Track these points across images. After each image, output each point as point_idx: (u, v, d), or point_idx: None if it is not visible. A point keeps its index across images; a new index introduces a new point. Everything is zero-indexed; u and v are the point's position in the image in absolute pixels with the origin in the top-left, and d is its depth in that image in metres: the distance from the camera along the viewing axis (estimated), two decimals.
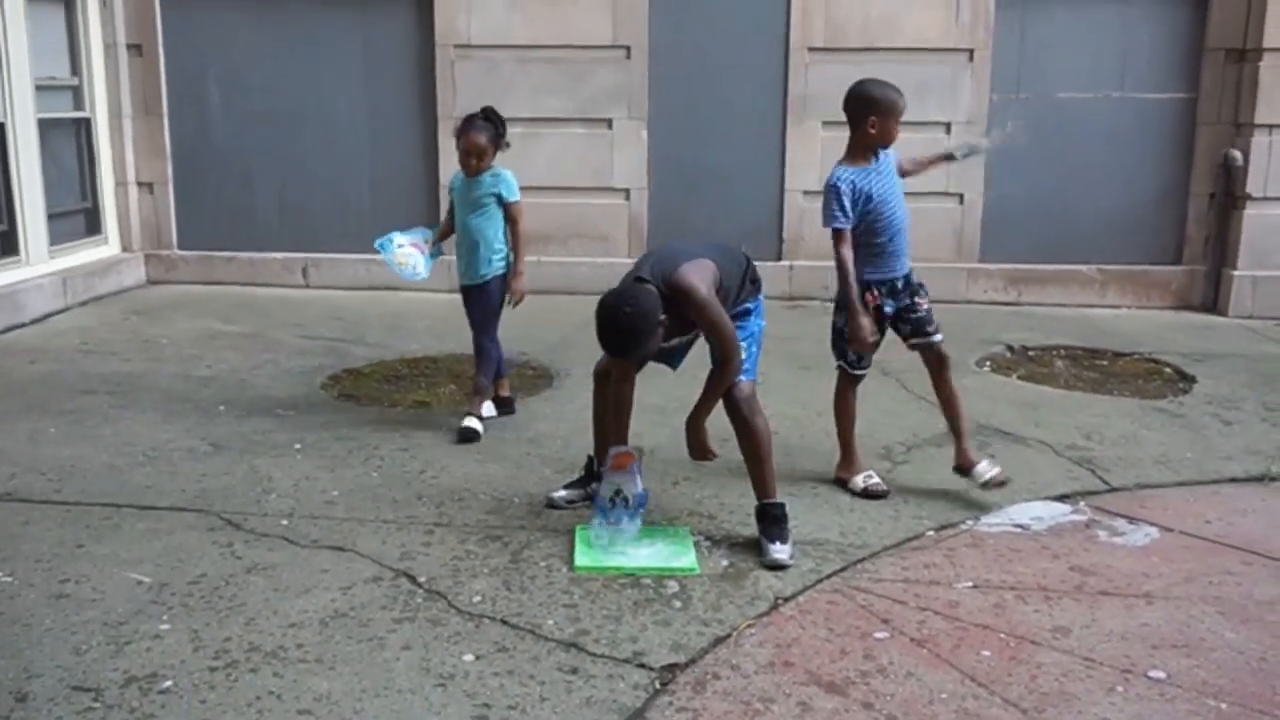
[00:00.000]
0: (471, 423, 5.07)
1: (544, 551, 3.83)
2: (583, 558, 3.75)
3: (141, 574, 3.62)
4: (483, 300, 5.23)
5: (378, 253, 5.32)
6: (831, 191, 4.27)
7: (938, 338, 4.40)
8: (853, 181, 4.27)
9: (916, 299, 4.39)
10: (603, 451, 4.11)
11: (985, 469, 4.36)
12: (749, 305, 4.02)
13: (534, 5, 8.34)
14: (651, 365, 4.04)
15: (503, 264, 5.21)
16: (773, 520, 3.85)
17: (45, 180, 7.89)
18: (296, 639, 3.20)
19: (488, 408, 5.31)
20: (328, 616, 3.34)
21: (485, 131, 5.11)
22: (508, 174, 5.19)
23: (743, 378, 3.85)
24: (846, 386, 4.56)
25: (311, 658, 3.10)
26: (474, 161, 5.13)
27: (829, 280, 8.32)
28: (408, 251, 5.26)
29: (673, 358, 4.10)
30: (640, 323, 3.54)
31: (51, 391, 5.76)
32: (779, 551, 3.75)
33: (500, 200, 5.16)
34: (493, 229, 5.17)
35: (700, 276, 3.68)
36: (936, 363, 4.43)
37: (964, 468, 4.42)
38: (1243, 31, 8.06)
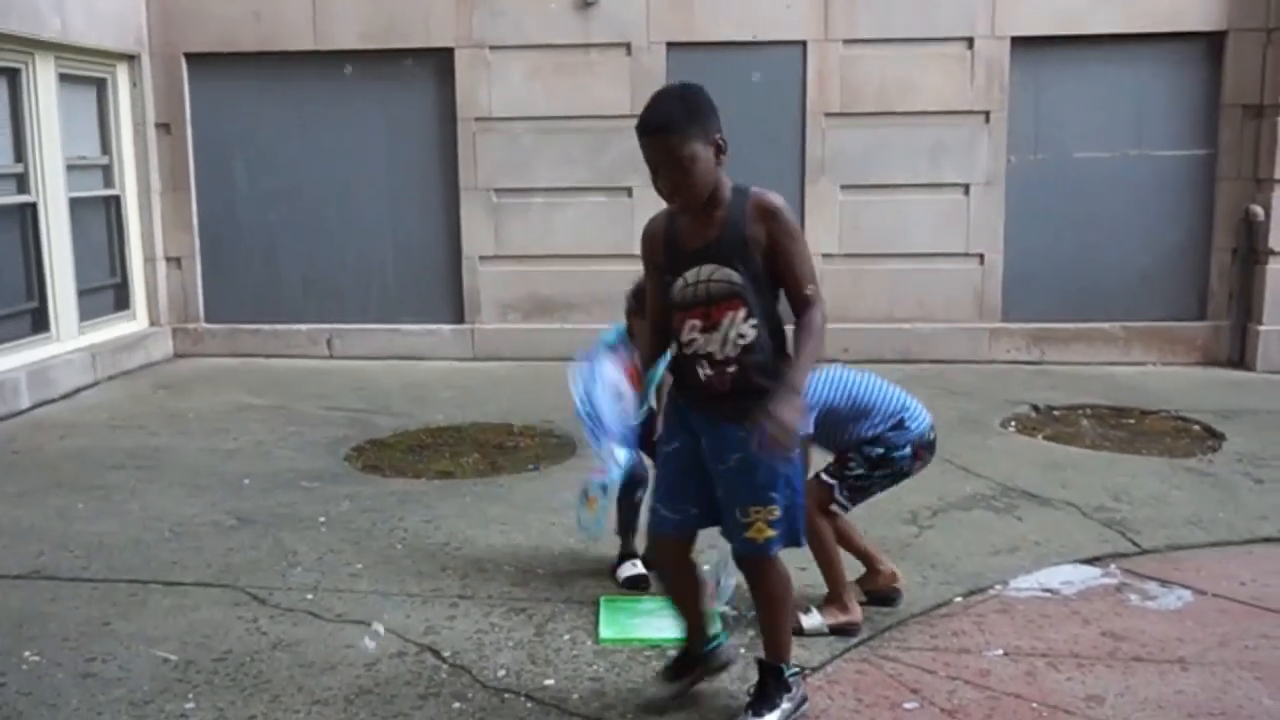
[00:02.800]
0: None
1: (569, 624, 3.81)
2: (608, 629, 3.73)
3: (167, 651, 3.62)
4: None
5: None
6: None
7: None
8: None
9: None
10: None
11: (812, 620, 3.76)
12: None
13: (553, 77, 8.49)
14: None
15: None
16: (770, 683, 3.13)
17: (75, 257, 8.03)
18: (322, 716, 3.19)
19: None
20: (353, 694, 3.32)
21: None
22: None
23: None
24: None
25: None
26: None
27: (848, 342, 8.40)
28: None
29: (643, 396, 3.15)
30: (700, 101, 2.87)
31: (80, 467, 5.81)
32: None
33: None
34: None
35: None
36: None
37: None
38: (1259, 87, 8.09)
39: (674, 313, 2.96)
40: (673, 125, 2.80)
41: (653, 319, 3.09)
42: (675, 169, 2.80)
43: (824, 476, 3.74)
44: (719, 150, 2.84)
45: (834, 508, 3.75)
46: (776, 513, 2.96)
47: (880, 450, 3.71)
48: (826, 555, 3.79)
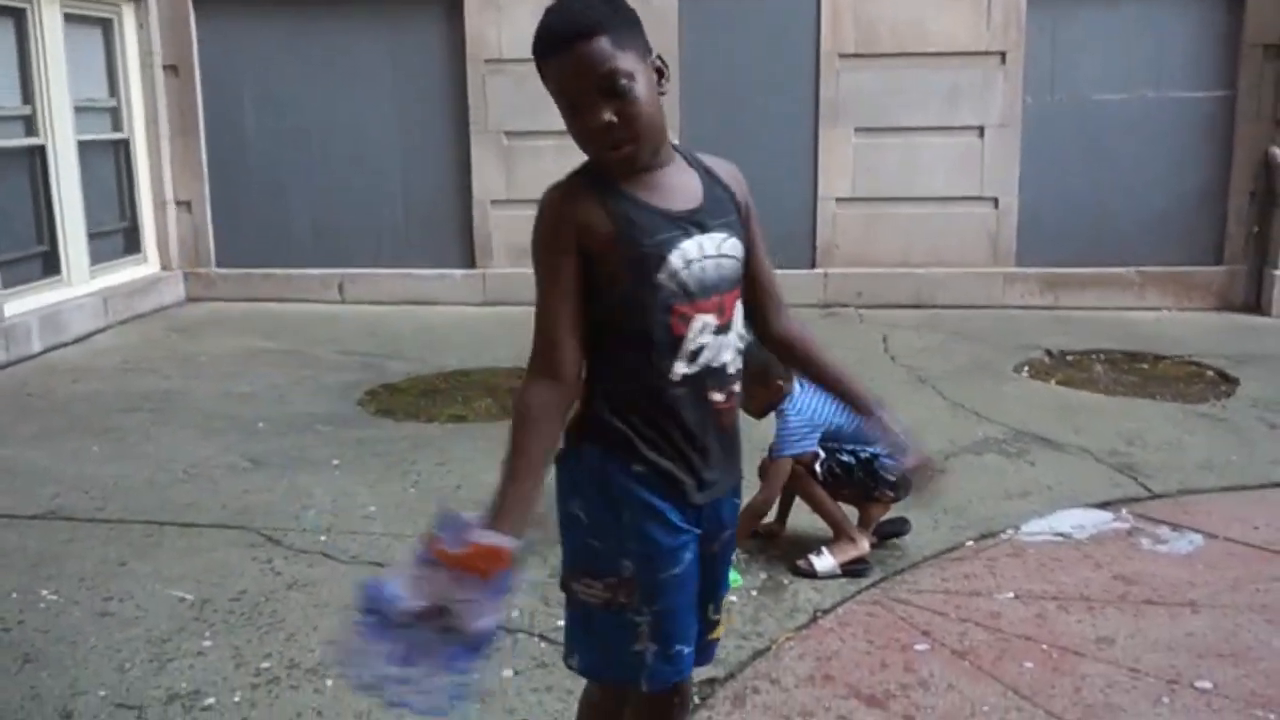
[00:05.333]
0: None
1: None
2: None
3: (183, 591, 3.65)
4: None
5: None
6: None
7: None
8: None
9: None
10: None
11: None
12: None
13: None
14: None
15: None
16: None
17: (85, 201, 8.01)
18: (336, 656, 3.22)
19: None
20: None
21: None
22: None
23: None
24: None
25: None
26: None
27: (862, 287, 8.37)
28: None
29: None
30: (625, 4, 1.93)
31: (94, 410, 5.83)
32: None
33: None
34: None
35: None
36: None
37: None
38: None
39: (655, 311, 1.90)
40: (605, 26, 1.85)
41: (552, 377, 1.93)
42: (616, 92, 1.84)
43: (816, 447, 3.78)
44: (660, 76, 1.94)
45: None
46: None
47: (874, 462, 3.73)
48: (815, 499, 3.82)
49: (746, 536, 3.87)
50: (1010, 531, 4.14)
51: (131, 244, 8.76)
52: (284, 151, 8.91)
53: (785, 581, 3.70)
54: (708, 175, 2.01)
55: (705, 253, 1.93)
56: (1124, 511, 4.33)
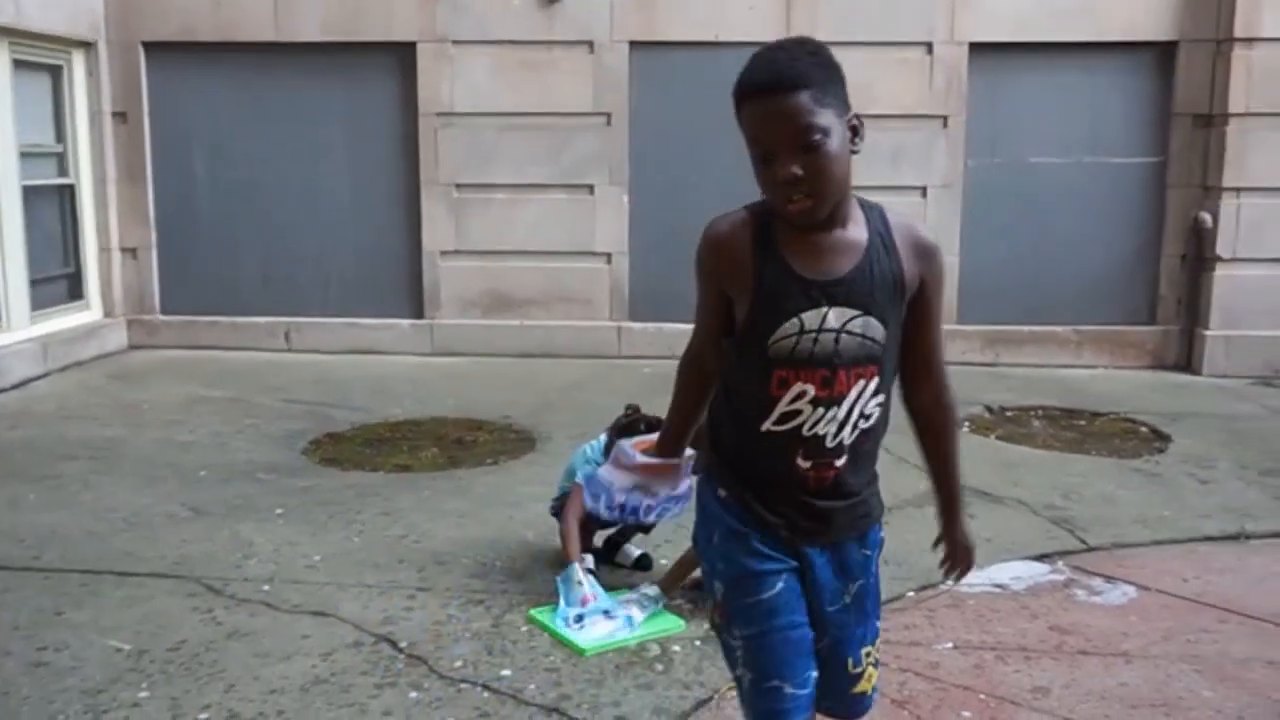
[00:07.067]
0: None
1: (526, 615, 3.83)
2: (582, 641, 3.57)
3: (120, 641, 3.60)
4: None
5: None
6: None
7: None
8: None
9: None
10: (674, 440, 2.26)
11: None
12: None
13: (516, 73, 8.49)
14: None
15: None
16: None
17: (28, 246, 7.93)
18: (277, 705, 3.18)
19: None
20: (308, 683, 3.32)
21: None
22: None
23: None
24: None
25: None
26: None
27: None
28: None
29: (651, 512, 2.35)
30: (833, 59, 1.94)
31: (31, 457, 5.74)
32: None
33: None
34: None
35: None
36: None
37: None
38: (1209, 97, 8.26)
39: (760, 368, 1.97)
40: (808, 81, 1.86)
41: (698, 363, 2.12)
42: (806, 148, 1.85)
43: None
44: (854, 134, 1.92)
45: None
46: (879, 648, 2.25)
47: None
48: None
49: (678, 586, 3.88)
50: (949, 583, 4.20)
51: (74, 290, 8.66)
52: (233, 200, 8.89)
53: None
54: (880, 243, 1.98)
55: (827, 325, 1.94)
56: (1060, 564, 4.41)
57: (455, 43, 8.48)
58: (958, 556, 2.31)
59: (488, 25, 8.46)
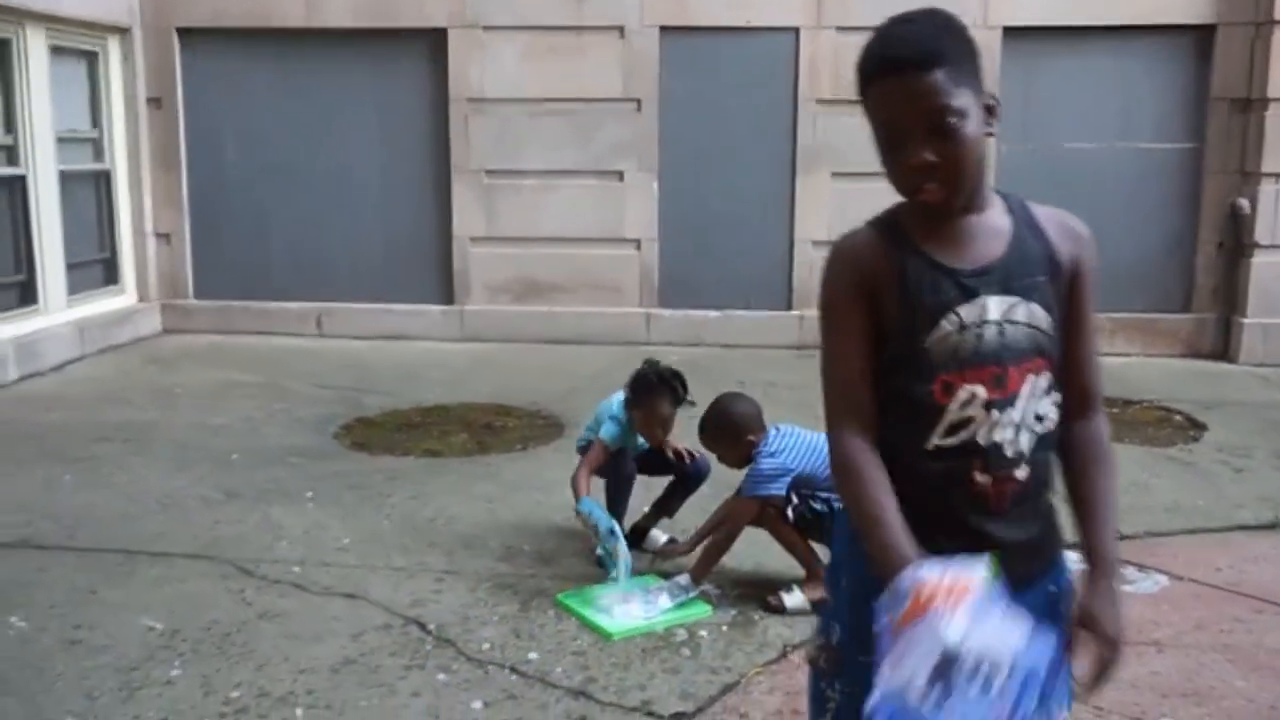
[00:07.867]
0: None
1: (554, 599, 3.84)
2: (610, 625, 3.59)
3: (153, 620, 3.64)
4: None
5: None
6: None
7: None
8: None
9: None
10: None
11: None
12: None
13: (545, 59, 8.48)
14: None
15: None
16: None
17: (65, 230, 8.02)
18: (307, 685, 3.22)
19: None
20: (338, 663, 3.35)
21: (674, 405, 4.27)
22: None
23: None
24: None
25: (321, 704, 3.12)
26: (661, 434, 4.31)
27: None
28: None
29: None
30: (968, 33, 1.82)
31: (67, 439, 5.81)
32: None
33: None
34: None
35: None
36: None
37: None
38: (1247, 81, 8.13)
39: (919, 376, 1.72)
40: (944, 58, 1.68)
41: (859, 419, 1.75)
42: (941, 132, 1.66)
43: (784, 493, 3.79)
44: (990, 113, 1.74)
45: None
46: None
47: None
48: (789, 540, 3.85)
49: (707, 575, 3.87)
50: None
51: (110, 275, 8.76)
52: (265, 185, 8.95)
53: (756, 617, 3.73)
54: (1029, 227, 1.81)
55: (988, 316, 1.71)
56: None
57: (486, 28, 8.48)
58: (1096, 643, 1.72)
59: (518, 10, 8.46)
